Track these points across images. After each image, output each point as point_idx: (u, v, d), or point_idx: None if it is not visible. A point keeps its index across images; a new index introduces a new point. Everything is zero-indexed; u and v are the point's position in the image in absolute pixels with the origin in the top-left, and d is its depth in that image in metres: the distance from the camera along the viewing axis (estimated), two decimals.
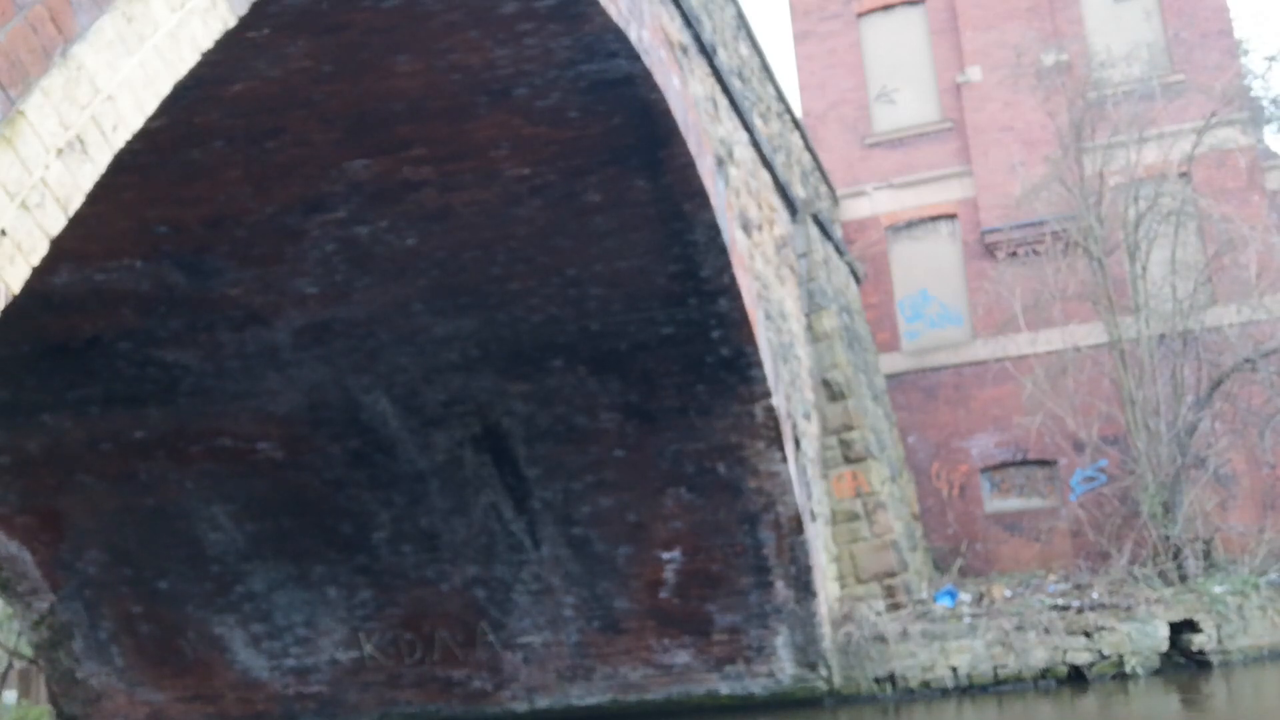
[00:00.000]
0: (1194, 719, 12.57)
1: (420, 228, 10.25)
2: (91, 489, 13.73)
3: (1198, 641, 14.13)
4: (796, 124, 18.36)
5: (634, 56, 8.37)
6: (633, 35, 8.29)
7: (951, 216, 21.11)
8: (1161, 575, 15.78)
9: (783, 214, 15.72)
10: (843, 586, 14.88)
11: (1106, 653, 13.98)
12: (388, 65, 7.91)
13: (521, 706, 14.46)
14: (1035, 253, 19.60)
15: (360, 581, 14.29)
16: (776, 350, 13.40)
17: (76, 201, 3.71)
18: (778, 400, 12.54)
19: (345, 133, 8.75)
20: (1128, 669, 13.88)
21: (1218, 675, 13.87)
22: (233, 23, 4.45)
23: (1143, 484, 16.81)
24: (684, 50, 10.82)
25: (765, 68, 16.18)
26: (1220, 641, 14.20)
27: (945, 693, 14.02)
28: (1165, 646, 14.07)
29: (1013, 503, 19.90)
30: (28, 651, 18.62)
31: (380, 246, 10.48)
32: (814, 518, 14.09)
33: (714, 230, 10.58)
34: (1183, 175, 18.82)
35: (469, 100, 8.52)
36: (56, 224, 3.62)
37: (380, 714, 14.95)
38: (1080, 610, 14.37)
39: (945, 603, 15.31)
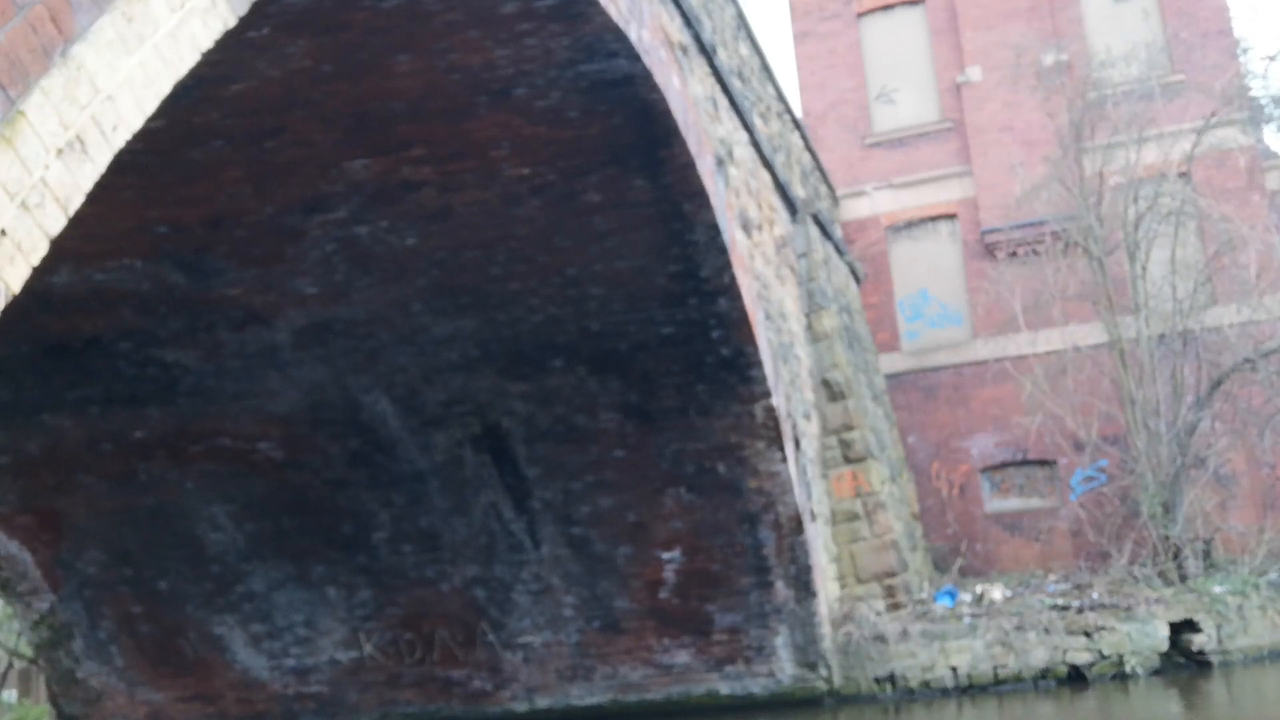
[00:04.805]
0: (1194, 719, 12.57)
1: (420, 228, 10.24)
2: (91, 489, 13.72)
3: (1198, 641, 14.12)
4: (796, 124, 18.35)
5: (634, 56, 8.37)
6: (633, 35, 8.29)
7: (951, 216, 21.11)
8: (1161, 575, 15.78)
9: (783, 214, 15.72)
10: (843, 586, 14.88)
11: (1106, 653, 13.97)
12: (388, 65, 7.91)
13: (521, 706, 14.46)
14: (1035, 253, 19.59)
15: (360, 581, 14.29)
16: (776, 350, 13.39)
17: (76, 201, 3.71)
18: (778, 400, 12.53)
19: (345, 133, 8.75)
20: (1128, 669, 13.88)
21: (1218, 675, 13.87)
22: (233, 23, 4.45)
23: (1143, 484, 16.80)
24: (684, 50, 10.82)
25: (765, 68, 16.17)
26: (1220, 641, 14.19)
27: (945, 693, 14.01)
28: (1165, 646, 14.06)
29: (1013, 503, 19.90)
30: (28, 651, 18.61)
31: (380, 246, 10.48)
32: (814, 518, 14.09)
33: (714, 230, 10.58)
34: (1182, 175, 18.81)
35: (469, 100, 8.52)
36: (56, 224, 3.62)
37: (380, 714, 14.95)
38: (1080, 610, 14.36)
39: (945, 603, 15.30)
